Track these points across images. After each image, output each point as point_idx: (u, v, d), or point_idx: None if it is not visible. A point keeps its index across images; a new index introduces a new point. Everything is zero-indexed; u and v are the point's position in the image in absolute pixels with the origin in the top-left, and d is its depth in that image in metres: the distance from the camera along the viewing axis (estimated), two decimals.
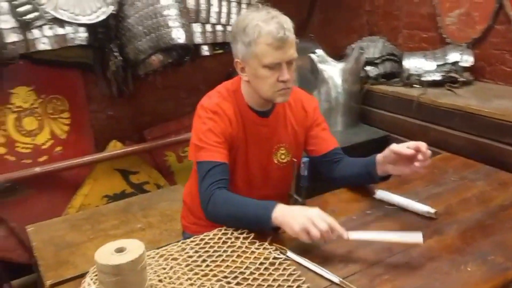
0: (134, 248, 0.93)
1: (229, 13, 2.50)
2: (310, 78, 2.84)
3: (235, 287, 1.06)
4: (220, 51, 2.69)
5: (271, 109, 1.51)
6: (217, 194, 1.32)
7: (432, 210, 1.33)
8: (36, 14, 2.02)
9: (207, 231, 1.30)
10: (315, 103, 1.61)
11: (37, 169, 2.27)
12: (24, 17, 2.01)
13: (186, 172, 2.85)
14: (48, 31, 2.09)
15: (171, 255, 1.19)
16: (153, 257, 1.18)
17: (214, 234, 1.28)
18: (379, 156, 1.39)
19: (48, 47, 2.10)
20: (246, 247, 1.22)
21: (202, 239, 1.27)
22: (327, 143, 1.57)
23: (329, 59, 2.80)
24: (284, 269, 1.12)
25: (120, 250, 0.92)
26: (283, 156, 1.55)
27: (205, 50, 2.53)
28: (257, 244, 1.22)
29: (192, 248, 1.22)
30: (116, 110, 2.60)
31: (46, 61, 2.23)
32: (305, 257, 1.15)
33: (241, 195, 1.34)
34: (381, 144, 2.77)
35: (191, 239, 1.27)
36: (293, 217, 1.17)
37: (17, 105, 2.23)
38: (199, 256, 1.18)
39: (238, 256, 1.18)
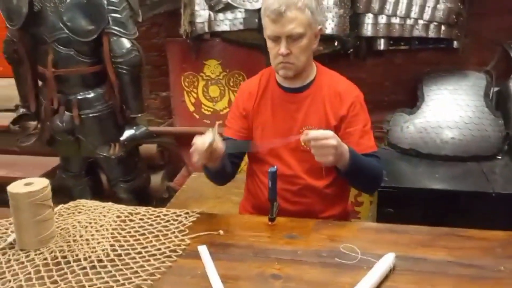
0: (35, 187, 1.16)
1: (410, 4, 2.18)
2: None
3: (110, 253, 1.14)
4: (405, 47, 2.41)
5: (304, 87, 1.45)
6: None
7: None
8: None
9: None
10: (356, 94, 1.45)
11: None
12: (210, 2, 2.42)
13: None
14: (229, 14, 2.44)
15: (120, 214, 1.36)
16: (105, 207, 1.39)
17: (177, 214, 1.35)
18: None
19: (226, 29, 2.45)
20: (171, 233, 1.24)
21: (157, 211, 1.37)
22: (356, 147, 1.35)
23: None
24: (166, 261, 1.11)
25: (27, 184, 1.18)
26: None
27: (379, 44, 2.32)
28: (186, 234, 1.23)
29: (141, 214, 1.35)
30: None
31: (232, 41, 2.58)
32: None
33: None
34: None
35: (154, 209, 1.39)
36: None
37: (207, 75, 2.71)
38: (132, 221, 1.31)
39: (154, 236, 1.23)
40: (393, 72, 2.57)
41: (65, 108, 2.16)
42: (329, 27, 2.15)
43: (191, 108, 2.79)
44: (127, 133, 2.18)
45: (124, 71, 2.08)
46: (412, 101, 2.40)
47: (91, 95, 2.16)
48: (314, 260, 1.10)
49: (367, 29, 2.25)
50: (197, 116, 2.79)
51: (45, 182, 1.19)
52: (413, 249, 1.13)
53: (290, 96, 1.46)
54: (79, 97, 2.15)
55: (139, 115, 2.18)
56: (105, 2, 2.01)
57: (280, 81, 1.48)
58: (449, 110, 2.22)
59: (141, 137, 2.21)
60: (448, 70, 2.37)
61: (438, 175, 2.07)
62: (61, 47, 2.06)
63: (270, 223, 1.28)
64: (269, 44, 1.38)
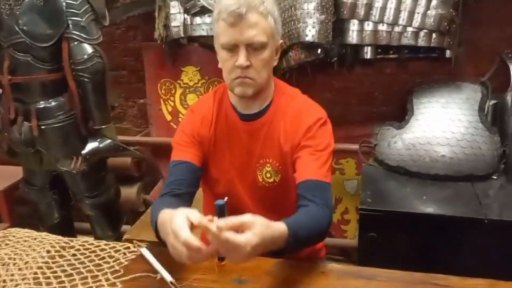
0: None
1: (398, 10, 2.01)
2: None
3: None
4: (394, 56, 2.23)
5: (260, 113, 1.25)
6: (158, 200, 1.22)
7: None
8: (192, 2, 2.22)
9: None
10: (315, 118, 1.22)
11: None
12: (186, 5, 2.25)
13: (334, 185, 2.54)
14: (207, 18, 2.27)
15: (50, 248, 1.19)
16: (36, 239, 1.22)
17: (116, 249, 1.18)
18: None
19: (203, 33, 2.29)
20: (102, 274, 1.07)
21: (94, 244, 1.20)
22: (303, 171, 1.16)
23: None
24: None
25: None
26: (268, 175, 1.26)
27: (366, 53, 2.15)
28: (119, 276, 1.06)
29: (75, 248, 1.18)
30: None
31: (211, 46, 2.40)
32: None
33: (167, 207, 1.09)
34: None
35: (92, 242, 1.22)
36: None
37: (185, 82, 2.54)
38: (62, 257, 1.14)
39: (82, 278, 1.06)
40: (383, 82, 2.39)
41: (23, 118, 2.00)
42: (310, 34, 1.97)
43: (168, 117, 2.63)
44: (90, 146, 2.02)
45: (86, 79, 1.92)
46: (404, 113, 2.23)
47: (52, 104, 1.99)
48: None
49: (352, 37, 2.07)
50: (174, 126, 2.62)
51: None
52: None
53: (246, 125, 1.26)
54: (39, 106, 1.98)
55: (103, 126, 2.02)
56: (64, 4, 1.85)
57: (235, 103, 1.27)
58: (440, 125, 2.04)
59: (105, 150, 2.05)
60: (440, 82, 2.19)
61: (426, 196, 1.89)
62: (18, 53, 1.90)
63: (219, 263, 1.11)
64: (223, 55, 1.16)
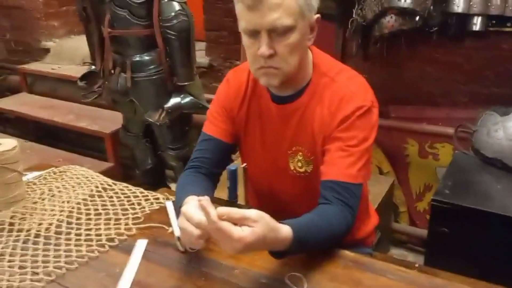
0: (2, 147, 1.15)
1: None
2: None
3: (52, 229, 1.09)
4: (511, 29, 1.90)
5: (294, 96, 1.12)
6: (184, 175, 1.18)
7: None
8: None
9: None
10: (354, 106, 1.04)
11: None
12: None
13: (425, 171, 2.34)
14: None
15: (94, 187, 1.29)
16: (88, 177, 1.33)
17: (146, 198, 1.25)
18: None
19: None
20: (124, 218, 1.14)
21: (132, 190, 1.27)
22: (329, 169, 1.05)
23: None
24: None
25: None
26: (300, 164, 1.17)
27: (474, 24, 1.87)
28: (138, 223, 1.12)
29: (114, 191, 1.27)
30: (370, 73, 2.37)
31: None
32: None
33: (193, 187, 1.07)
34: None
35: (131, 187, 1.30)
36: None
37: None
38: (100, 197, 1.23)
39: (107, 219, 1.14)
40: (497, 59, 2.06)
41: (120, 70, 2.17)
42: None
43: None
44: (173, 101, 2.13)
45: (172, 37, 2.00)
46: None
47: (145, 58, 2.13)
48: (246, 286, 0.90)
49: (458, 4, 1.81)
50: None
51: (10, 145, 1.17)
52: None
53: (278, 108, 1.13)
54: (134, 59, 2.14)
55: (186, 83, 2.10)
56: None
57: None
58: None
59: (186, 107, 2.14)
60: None
61: None
62: (117, 8, 2.05)
63: None
64: (245, 41, 1.02)
